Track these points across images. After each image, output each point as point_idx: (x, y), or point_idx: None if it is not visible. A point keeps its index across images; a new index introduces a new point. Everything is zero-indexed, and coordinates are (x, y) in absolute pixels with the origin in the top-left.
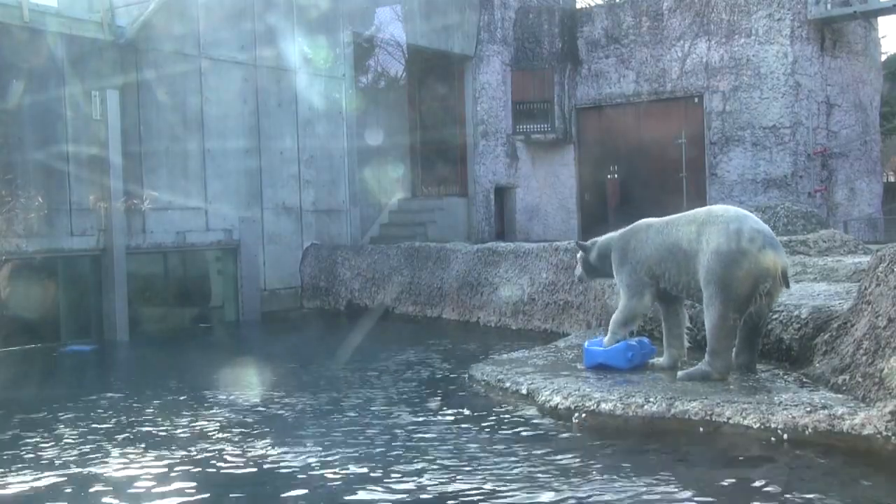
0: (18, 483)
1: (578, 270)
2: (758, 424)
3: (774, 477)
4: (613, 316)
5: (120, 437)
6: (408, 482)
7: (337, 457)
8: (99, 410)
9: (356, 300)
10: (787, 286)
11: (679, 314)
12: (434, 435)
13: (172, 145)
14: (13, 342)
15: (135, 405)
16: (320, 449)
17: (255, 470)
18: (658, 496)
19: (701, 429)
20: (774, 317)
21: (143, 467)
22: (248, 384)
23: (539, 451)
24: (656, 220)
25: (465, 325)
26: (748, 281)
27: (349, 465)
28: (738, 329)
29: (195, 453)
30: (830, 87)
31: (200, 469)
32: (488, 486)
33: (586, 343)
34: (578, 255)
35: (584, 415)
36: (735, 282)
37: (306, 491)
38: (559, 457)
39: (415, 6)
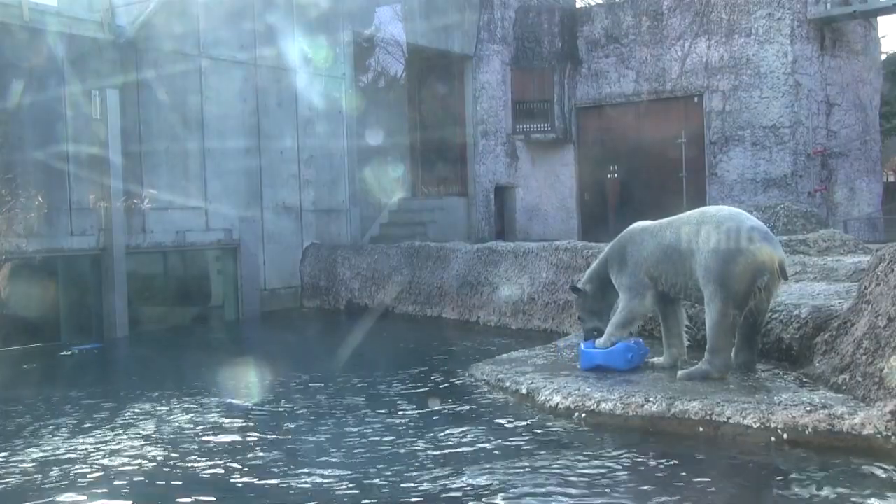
0: (19, 479)
1: (586, 325)
2: (758, 424)
3: (774, 477)
4: (613, 318)
5: (116, 436)
6: (407, 482)
7: (335, 457)
8: (95, 409)
9: (356, 300)
10: (786, 278)
11: (678, 314)
12: (434, 435)
13: (172, 145)
14: (13, 342)
15: (131, 404)
16: (318, 449)
17: (254, 469)
18: (658, 496)
19: (701, 428)
20: (774, 316)
21: (139, 466)
22: (246, 384)
23: (539, 451)
24: (650, 223)
25: (465, 325)
26: (746, 276)
27: (348, 466)
28: (738, 327)
29: (191, 454)
30: (830, 86)
31: (195, 471)
32: (488, 486)
33: (582, 345)
34: (575, 303)
35: (583, 414)
36: (734, 278)
37: (305, 491)
38: (559, 456)
39: (415, 6)
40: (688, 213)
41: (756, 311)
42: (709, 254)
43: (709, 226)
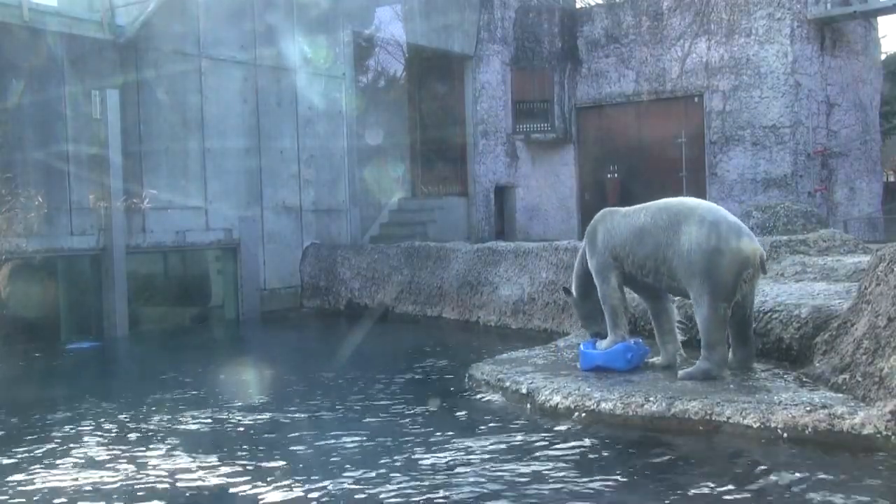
0: (20, 479)
1: (588, 330)
2: (758, 424)
3: (774, 477)
4: (606, 322)
5: (116, 437)
6: (407, 482)
7: (333, 459)
8: (92, 411)
9: (356, 300)
10: (765, 272)
11: (667, 310)
12: (434, 435)
13: (172, 145)
14: (14, 341)
15: (125, 405)
16: (317, 451)
17: (249, 473)
18: (658, 496)
19: (701, 428)
20: (774, 316)
21: (140, 467)
22: (246, 385)
23: (539, 451)
24: (623, 207)
25: (465, 325)
26: (732, 270)
27: (347, 466)
28: (728, 322)
29: (192, 456)
30: (830, 86)
31: (195, 473)
32: (487, 486)
33: (581, 346)
34: (572, 304)
35: (583, 414)
36: (719, 272)
37: (302, 494)
38: (559, 456)
39: (415, 5)
40: (664, 200)
41: (742, 304)
42: (693, 249)
43: (691, 220)
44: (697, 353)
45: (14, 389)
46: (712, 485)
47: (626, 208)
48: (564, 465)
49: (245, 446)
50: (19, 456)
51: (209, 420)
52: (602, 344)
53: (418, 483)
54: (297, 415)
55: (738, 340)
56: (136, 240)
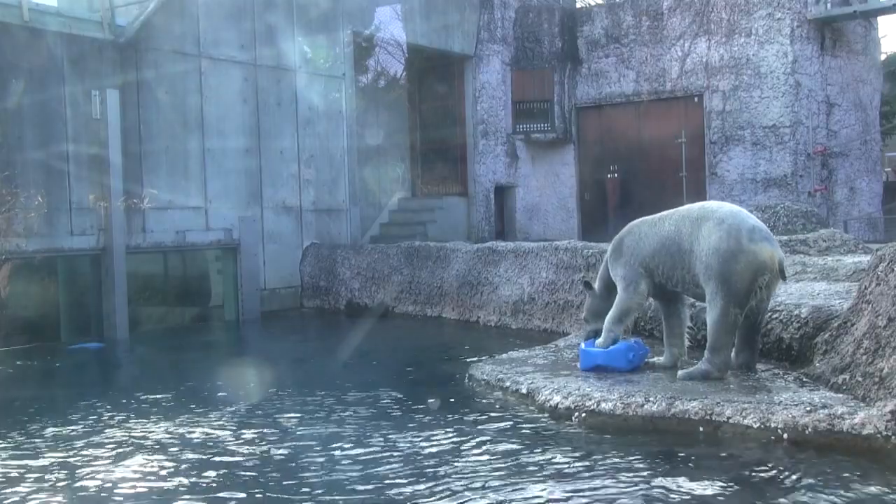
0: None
1: (589, 325)
2: (758, 424)
3: (774, 477)
4: (609, 314)
5: (117, 438)
6: (406, 482)
7: (332, 457)
8: (94, 412)
9: (356, 299)
10: (785, 279)
11: (681, 313)
12: (434, 435)
13: (172, 145)
14: (14, 341)
15: (130, 406)
16: (316, 450)
17: (256, 470)
18: (658, 496)
19: (701, 428)
20: (774, 316)
21: (140, 468)
22: (246, 385)
23: (539, 451)
24: (649, 216)
25: (465, 325)
26: (747, 274)
27: (347, 466)
28: (739, 326)
29: (193, 457)
30: (830, 86)
31: (196, 475)
32: (487, 487)
33: (582, 344)
34: (587, 300)
35: (584, 414)
36: (734, 276)
37: (303, 492)
38: (559, 457)
39: (415, 5)
40: (687, 206)
41: (756, 310)
42: (710, 252)
43: (710, 223)
44: (699, 353)
45: (13, 390)
46: (712, 485)
47: (651, 217)
48: (564, 465)
49: (245, 451)
50: (12, 458)
51: (211, 424)
52: (598, 341)
53: (415, 483)
54: (296, 416)
55: (743, 344)
56: (136, 240)
